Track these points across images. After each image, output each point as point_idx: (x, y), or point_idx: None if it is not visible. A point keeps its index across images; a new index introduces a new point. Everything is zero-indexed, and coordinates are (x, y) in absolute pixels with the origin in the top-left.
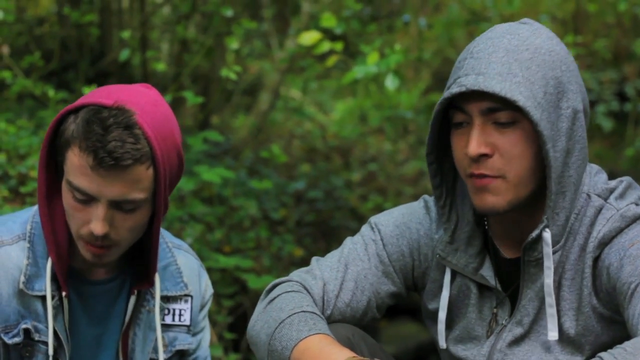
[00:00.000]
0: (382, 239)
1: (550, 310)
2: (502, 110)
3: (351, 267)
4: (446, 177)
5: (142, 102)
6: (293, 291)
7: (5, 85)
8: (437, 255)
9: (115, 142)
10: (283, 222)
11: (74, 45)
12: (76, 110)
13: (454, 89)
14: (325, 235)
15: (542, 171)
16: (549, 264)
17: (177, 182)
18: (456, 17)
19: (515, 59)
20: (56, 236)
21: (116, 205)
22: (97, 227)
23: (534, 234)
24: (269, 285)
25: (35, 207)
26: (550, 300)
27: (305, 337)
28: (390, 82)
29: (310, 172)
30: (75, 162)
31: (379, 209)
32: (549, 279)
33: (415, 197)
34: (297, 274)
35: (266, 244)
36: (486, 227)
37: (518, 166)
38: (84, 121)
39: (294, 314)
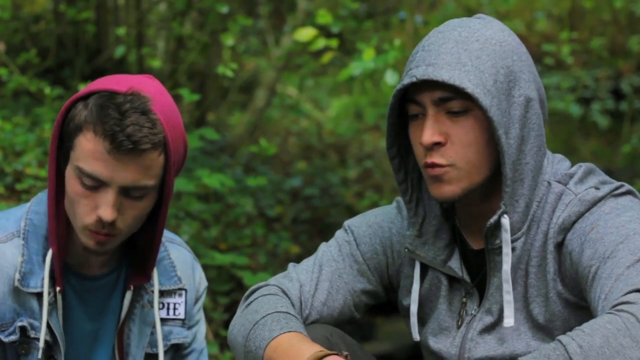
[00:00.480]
0: (355, 240)
1: (507, 297)
2: (454, 100)
3: (325, 268)
4: (411, 172)
5: (152, 90)
6: (270, 294)
7: (1, 82)
8: (406, 249)
9: (133, 126)
10: (279, 219)
11: (70, 43)
12: (84, 98)
13: (405, 80)
14: (321, 232)
15: (497, 158)
16: (507, 251)
17: (180, 170)
18: (452, 15)
19: (465, 49)
20: (58, 230)
21: (125, 192)
22: (107, 213)
23: (492, 219)
24: (248, 290)
25: (29, 204)
26: (507, 286)
27: (277, 336)
28: (390, 77)
29: (306, 169)
30: (89, 147)
31: (376, 207)
32: (506, 264)
33: None
34: (274, 279)
35: (262, 241)
36: (455, 219)
37: (470, 153)
38: (97, 106)
39: (268, 314)
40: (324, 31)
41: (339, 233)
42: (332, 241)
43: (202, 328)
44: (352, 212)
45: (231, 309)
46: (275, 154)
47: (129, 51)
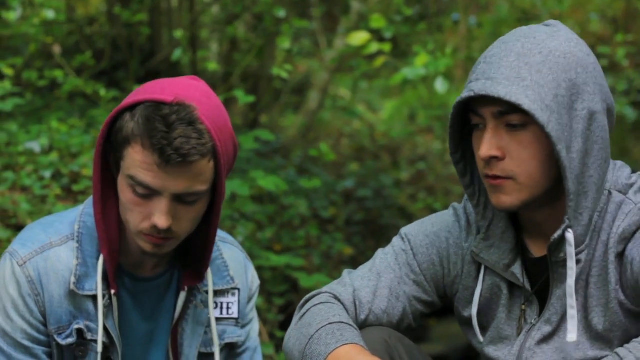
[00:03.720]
0: (412, 249)
1: (571, 312)
2: (513, 114)
3: (384, 276)
4: (478, 176)
5: (198, 95)
6: (321, 303)
7: (57, 85)
8: (471, 252)
9: (180, 138)
10: (332, 221)
11: (124, 45)
12: (131, 108)
13: (464, 94)
14: (374, 233)
15: (559, 172)
16: (571, 265)
17: (231, 169)
18: (505, 16)
19: (526, 62)
20: (108, 233)
21: (178, 199)
22: (161, 220)
23: (556, 234)
24: (303, 299)
25: (82, 207)
26: (571, 301)
27: (333, 350)
28: (440, 85)
29: (359, 170)
30: (138, 159)
31: (429, 209)
32: (571, 279)
33: (463, 196)
34: (328, 286)
35: (316, 243)
36: (519, 225)
37: (530, 168)
38: (144, 119)
39: (321, 327)
40: (377, 34)
41: (396, 241)
42: (388, 249)
43: (255, 326)
44: (405, 214)
45: (286, 310)
46: (321, 150)
47: (183, 53)
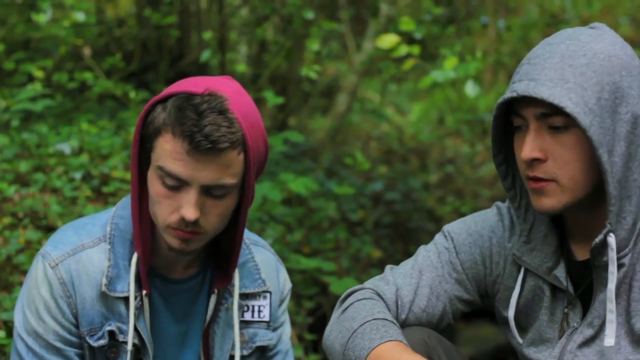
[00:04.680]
0: (455, 247)
1: (610, 316)
2: (555, 116)
3: (425, 274)
4: (519, 179)
5: (230, 91)
6: (365, 299)
7: (87, 86)
8: (513, 254)
9: (210, 126)
10: (361, 224)
11: (153, 47)
12: (163, 101)
13: (507, 94)
14: (402, 237)
15: (600, 174)
16: (612, 269)
17: (262, 170)
18: (534, 19)
19: (570, 64)
20: (142, 234)
21: (207, 191)
22: (189, 212)
23: (598, 239)
24: (343, 294)
25: (114, 209)
26: (610, 305)
27: (377, 346)
28: (471, 89)
29: (387, 173)
30: (168, 148)
31: (457, 212)
32: (611, 284)
33: (493, 200)
34: (370, 282)
35: (345, 245)
36: (562, 227)
37: (572, 170)
38: (175, 108)
39: (366, 322)
40: (406, 37)
41: (439, 238)
42: (431, 246)
43: (287, 329)
44: (433, 217)
45: (315, 313)
46: (356, 158)
47: (213, 55)
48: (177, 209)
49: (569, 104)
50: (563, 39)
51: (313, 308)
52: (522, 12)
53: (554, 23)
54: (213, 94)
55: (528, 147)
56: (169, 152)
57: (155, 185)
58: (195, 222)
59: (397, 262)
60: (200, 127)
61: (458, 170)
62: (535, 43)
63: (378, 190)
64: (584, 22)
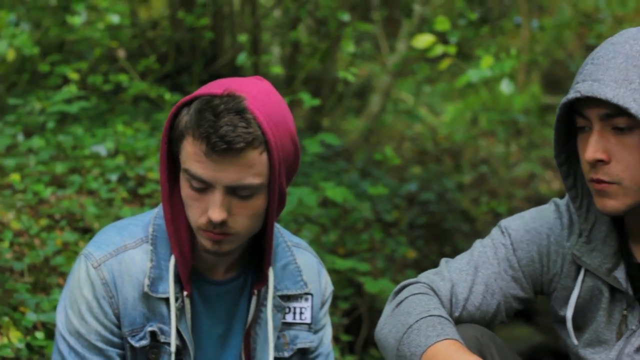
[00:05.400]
0: (512, 244)
1: None
2: (619, 117)
3: (481, 270)
4: (580, 178)
5: (254, 90)
6: (420, 293)
7: (121, 88)
8: (572, 254)
9: (226, 126)
10: (396, 224)
11: (187, 48)
12: (188, 104)
13: (570, 95)
14: (437, 237)
15: None
16: None
17: (294, 171)
18: (567, 19)
19: (635, 65)
20: (179, 235)
21: (232, 192)
22: (215, 213)
23: None
24: (397, 286)
25: (156, 210)
26: None
27: (434, 343)
28: (506, 87)
29: (421, 174)
30: (190, 150)
31: (492, 213)
32: None
33: (527, 200)
34: (425, 275)
35: (380, 246)
36: (624, 228)
37: (634, 173)
38: (196, 111)
39: (422, 318)
40: (440, 37)
41: (496, 233)
42: (487, 241)
43: (328, 332)
44: (467, 218)
45: (351, 314)
46: (386, 154)
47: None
48: (205, 211)
49: (634, 105)
50: (627, 39)
51: (349, 309)
52: (555, 12)
53: (587, 23)
54: (232, 94)
55: (592, 149)
56: (191, 155)
57: (185, 188)
58: (224, 223)
59: (432, 263)
60: (216, 129)
61: (492, 171)
62: (569, 43)
63: (412, 190)
64: (618, 22)
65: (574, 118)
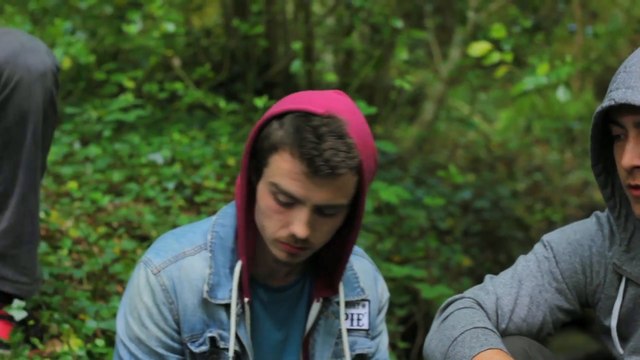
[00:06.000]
0: (554, 257)
1: None
2: None
3: (525, 283)
4: (619, 188)
5: (345, 108)
6: (465, 307)
7: (177, 97)
8: (613, 264)
9: (330, 150)
10: (450, 232)
11: (241, 57)
12: (279, 117)
13: (604, 103)
14: (492, 245)
15: None
16: None
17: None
18: (620, 26)
19: None
20: (247, 241)
21: (319, 210)
22: (301, 230)
23: None
24: (443, 303)
25: (214, 217)
26: None
27: (478, 354)
28: (562, 94)
29: (475, 182)
30: (285, 167)
31: (547, 221)
32: None
33: (581, 208)
34: (470, 291)
35: (435, 254)
36: None
37: None
38: (294, 127)
39: (466, 330)
40: (494, 44)
41: (538, 248)
42: (530, 255)
43: (384, 339)
44: (522, 226)
45: (407, 322)
46: (443, 167)
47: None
48: (287, 225)
49: None
50: None
51: (405, 316)
52: (607, 19)
53: None
54: (333, 116)
55: (628, 155)
56: (286, 172)
57: (266, 200)
58: (306, 239)
59: (487, 271)
60: (320, 152)
61: (546, 178)
62: (623, 50)
63: (467, 198)
64: None
65: (610, 127)
